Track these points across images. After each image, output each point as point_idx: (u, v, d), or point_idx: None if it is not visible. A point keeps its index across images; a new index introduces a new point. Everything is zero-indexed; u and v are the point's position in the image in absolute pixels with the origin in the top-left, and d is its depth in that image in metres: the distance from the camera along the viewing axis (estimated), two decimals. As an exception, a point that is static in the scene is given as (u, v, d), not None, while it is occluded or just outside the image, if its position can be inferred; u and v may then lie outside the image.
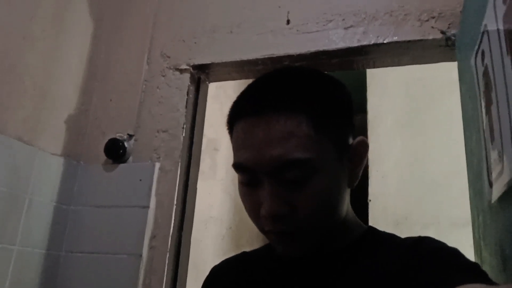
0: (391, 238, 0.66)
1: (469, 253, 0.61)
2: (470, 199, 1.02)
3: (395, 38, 1.28)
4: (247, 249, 0.79)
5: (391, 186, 2.03)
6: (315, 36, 1.36)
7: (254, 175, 0.59)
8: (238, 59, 1.43)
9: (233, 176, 2.24)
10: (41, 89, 1.36)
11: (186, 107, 1.46)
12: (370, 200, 2.04)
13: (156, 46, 1.56)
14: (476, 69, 0.83)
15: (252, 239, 2.49)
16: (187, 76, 1.49)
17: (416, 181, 1.99)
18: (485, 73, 0.75)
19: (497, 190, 0.70)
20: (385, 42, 1.29)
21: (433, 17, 1.25)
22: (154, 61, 1.54)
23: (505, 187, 0.65)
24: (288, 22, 1.40)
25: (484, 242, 0.86)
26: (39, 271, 1.32)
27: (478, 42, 0.81)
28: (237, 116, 0.62)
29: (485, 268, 0.71)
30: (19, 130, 1.27)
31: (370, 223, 1.57)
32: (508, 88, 0.62)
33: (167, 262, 1.32)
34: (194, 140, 1.48)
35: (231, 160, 0.62)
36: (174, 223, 1.36)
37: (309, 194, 0.58)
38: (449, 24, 1.23)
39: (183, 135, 1.43)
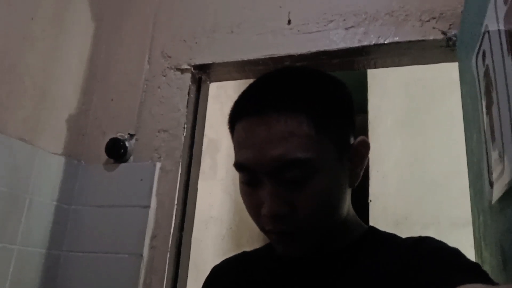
0: (392, 238, 0.66)
1: (470, 253, 0.61)
2: (470, 199, 1.02)
3: (396, 39, 1.28)
4: (248, 249, 0.79)
5: (391, 186, 2.03)
6: (315, 36, 1.36)
7: (254, 175, 0.59)
8: (239, 59, 1.43)
9: (234, 176, 2.24)
10: (41, 89, 1.36)
11: (187, 107, 1.46)
12: (370, 201, 2.04)
13: (156, 46, 1.56)
14: (477, 70, 0.83)
15: (252, 239, 2.49)
16: (188, 76, 1.49)
17: (416, 181, 1.99)
18: (486, 74, 0.75)
19: (498, 190, 0.70)
20: (385, 42, 1.29)
21: (434, 18, 1.25)
22: (155, 61, 1.54)
23: (506, 187, 0.65)
24: (289, 22, 1.40)
25: (485, 242, 0.86)
26: (40, 270, 1.32)
27: (479, 42, 0.81)
28: (238, 116, 0.62)
29: (486, 268, 0.71)
30: (19, 130, 1.27)
31: (371, 223, 1.56)
32: (509, 88, 0.62)
33: (167, 262, 1.32)
34: (195, 140, 1.48)
35: (231, 160, 0.62)
36: (174, 223, 1.36)
37: (309, 194, 0.58)
38: (450, 24, 1.23)
39: (184, 135, 1.43)
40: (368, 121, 2.16)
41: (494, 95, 0.70)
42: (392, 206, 2.00)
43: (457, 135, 1.23)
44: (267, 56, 1.39)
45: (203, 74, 1.53)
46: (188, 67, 1.49)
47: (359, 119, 0.68)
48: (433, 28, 1.25)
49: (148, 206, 1.36)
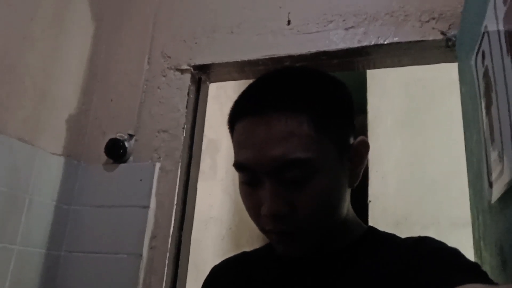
0: (392, 238, 0.66)
1: (469, 254, 0.61)
2: (470, 200, 1.02)
3: (396, 39, 1.28)
4: (247, 250, 0.79)
5: (391, 186, 2.03)
6: (315, 36, 1.36)
7: (254, 175, 0.59)
8: (238, 60, 1.43)
9: (233, 176, 2.24)
10: (41, 89, 1.36)
11: (186, 107, 1.46)
12: (370, 201, 2.04)
13: (156, 46, 1.56)
14: (477, 70, 0.83)
15: (252, 240, 2.49)
16: (187, 76, 1.49)
17: (416, 181, 1.99)
18: (486, 74, 0.76)
19: (497, 191, 0.70)
20: (385, 42, 1.29)
21: (434, 18, 1.25)
22: (154, 61, 1.54)
23: (505, 188, 0.65)
24: (289, 22, 1.40)
25: (484, 243, 0.86)
26: (39, 270, 1.32)
27: (478, 42, 0.81)
28: (238, 116, 0.62)
29: (485, 268, 0.71)
30: (19, 130, 1.27)
31: (370, 224, 1.56)
32: (509, 89, 0.62)
33: (167, 262, 1.32)
34: (194, 141, 1.48)
35: (231, 161, 0.62)
36: (174, 223, 1.36)
37: (309, 194, 0.58)
38: (450, 25, 1.23)
39: (184, 135, 1.43)
40: (368, 122, 2.17)
41: (493, 95, 0.70)
42: (391, 206, 2.00)
43: (457, 135, 1.23)
44: (267, 57, 1.39)
45: (203, 75, 1.53)
46: (188, 67, 1.49)
47: (358, 120, 0.68)
48: (433, 28, 1.25)
49: (148, 206, 1.36)
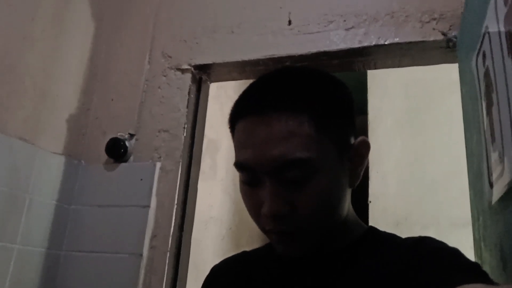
0: (392, 238, 0.66)
1: (469, 254, 0.61)
2: (470, 200, 1.02)
3: (396, 40, 1.28)
4: (247, 250, 0.79)
5: (391, 186, 2.03)
6: (316, 37, 1.36)
7: (255, 175, 0.59)
8: (239, 60, 1.43)
9: (233, 176, 2.24)
10: (42, 89, 1.36)
11: (187, 107, 1.46)
12: (370, 201, 2.04)
13: (157, 46, 1.56)
14: (477, 71, 0.83)
15: (252, 240, 2.49)
16: (188, 76, 1.49)
17: (416, 181, 1.99)
18: (486, 75, 0.76)
19: (498, 191, 0.70)
20: (386, 43, 1.29)
21: (434, 19, 1.25)
22: (155, 61, 1.54)
23: (506, 188, 0.65)
24: (289, 22, 1.40)
25: (484, 243, 0.86)
26: (40, 269, 1.32)
27: (479, 43, 0.81)
28: (238, 116, 0.62)
29: (485, 268, 0.71)
30: (19, 130, 1.27)
31: (370, 224, 1.57)
32: (509, 89, 0.62)
33: (167, 262, 1.32)
34: (195, 140, 1.48)
35: (231, 161, 0.62)
36: (174, 223, 1.36)
37: (309, 194, 0.58)
38: (450, 25, 1.23)
39: (184, 135, 1.43)
40: (368, 122, 2.17)
41: (494, 96, 0.70)
42: (392, 206, 2.00)
43: (457, 136, 1.24)
44: (268, 57, 1.39)
45: (203, 74, 1.54)
46: (189, 67, 1.49)
47: (358, 120, 0.68)
48: (433, 29, 1.25)
49: (148, 206, 1.36)
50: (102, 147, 1.45)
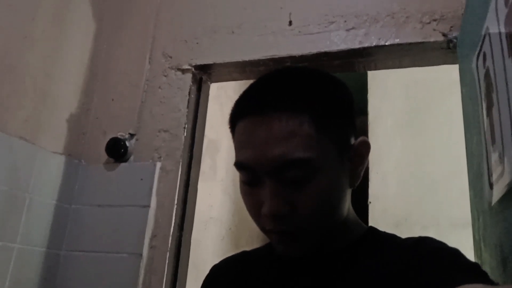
0: (392, 238, 0.66)
1: (469, 254, 0.61)
2: (470, 201, 1.02)
3: (397, 40, 1.28)
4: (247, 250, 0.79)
5: (391, 187, 2.03)
6: (316, 37, 1.36)
7: (255, 174, 0.59)
8: (239, 60, 1.43)
9: (233, 177, 2.24)
10: (42, 89, 1.36)
11: (187, 107, 1.46)
12: (370, 202, 2.04)
13: (157, 46, 1.56)
14: (478, 71, 0.84)
15: (251, 240, 2.49)
16: (189, 76, 1.49)
17: (416, 182, 1.99)
18: (487, 75, 0.76)
19: (498, 192, 0.70)
20: (386, 44, 1.29)
21: (435, 20, 1.25)
22: (155, 61, 1.55)
23: (506, 189, 0.65)
24: (290, 23, 1.40)
25: (484, 244, 0.86)
26: (39, 269, 1.32)
27: (479, 44, 0.81)
28: (239, 116, 0.62)
29: (485, 269, 0.71)
30: (19, 130, 1.27)
31: (370, 225, 1.57)
32: (510, 90, 0.62)
33: (167, 261, 1.32)
34: (195, 140, 1.48)
35: (231, 161, 0.62)
36: (174, 223, 1.36)
37: (309, 194, 0.58)
38: (451, 26, 1.23)
39: (185, 135, 1.43)
40: (368, 122, 2.17)
41: (494, 96, 0.70)
42: (391, 207, 2.00)
43: (457, 136, 1.24)
44: (268, 57, 1.40)
45: (204, 75, 1.54)
46: (189, 67, 1.49)
47: (359, 121, 0.69)
48: (434, 30, 1.25)
49: (148, 206, 1.36)
50: (102, 147, 1.45)
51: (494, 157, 0.72)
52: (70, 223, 1.42)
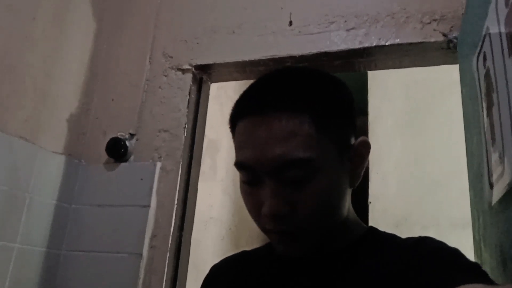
0: (392, 238, 0.66)
1: (469, 255, 0.61)
2: (470, 201, 1.02)
3: (397, 40, 1.28)
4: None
5: (391, 187, 2.03)
6: (316, 37, 1.36)
7: (255, 174, 0.59)
8: (240, 60, 1.43)
9: (233, 177, 2.24)
10: (42, 89, 1.36)
11: (187, 107, 1.46)
12: (370, 202, 2.04)
13: (158, 46, 1.56)
14: (478, 71, 0.84)
15: (251, 240, 2.49)
16: (189, 76, 1.49)
17: (416, 182, 1.99)
18: (487, 75, 0.76)
19: (498, 192, 0.70)
20: (386, 44, 1.29)
21: (435, 20, 1.25)
22: (156, 61, 1.55)
23: (506, 189, 0.65)
24: (290, 23, 1.40)
25: (484, 244, 0.86)
26: (39, 269, 1.32)
27: (479, 44, 0.81)
28: (239, 116, 0.62)
29: (485, 269, 0.71)
30: (20, 129, 1.27)
31: (370, 225, 1.57)
32: (510, 90, 0.62)
33: (167, 261, 1.32)
34: (195, 140, 1.48)
35: (231, 161, 0.62)
36: (174, 223, 1.36)
37: (309, 194, 0.58)
38: (451, 26, 1.23)
39: (185, 135, 1.43)
40: (368, 122, 2.17)
41: (494, 96, 0.70)
42: (391, 207, 2.00)
43: (457, 136, 1.24)
44: (268, 57, 1.40)
45: (204, 75, 1.54)
46: (189, 67, 1.49)
47: (359, 121, 0.68)
48: (434, 30, 1.25)
49: (148, 206, 1.36)
50: (103, 147, 1.46)
51: (494, 157, 0.72)
52: (70, 223, 1.42)
